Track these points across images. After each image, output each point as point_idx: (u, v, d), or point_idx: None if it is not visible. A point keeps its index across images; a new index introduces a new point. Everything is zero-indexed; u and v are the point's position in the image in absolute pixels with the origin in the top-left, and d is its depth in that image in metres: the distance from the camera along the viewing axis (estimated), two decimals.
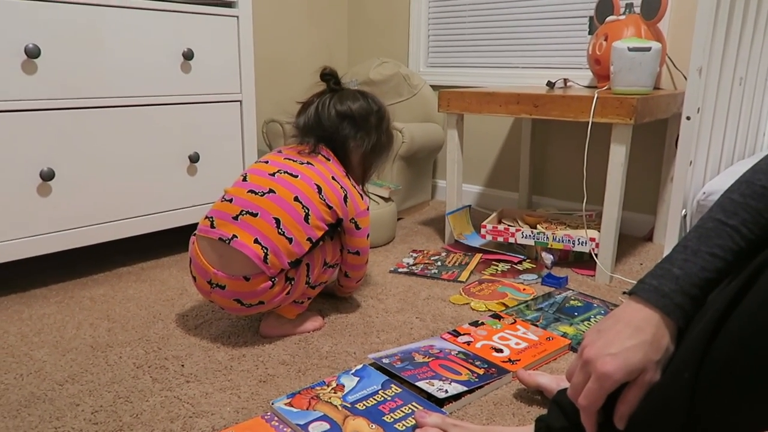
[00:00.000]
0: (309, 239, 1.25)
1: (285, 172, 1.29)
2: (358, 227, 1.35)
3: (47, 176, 1.51)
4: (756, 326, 0.60)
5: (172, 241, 1.99)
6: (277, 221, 1.22)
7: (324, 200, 1.27)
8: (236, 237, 1.21)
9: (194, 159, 1.80)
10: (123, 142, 1.65)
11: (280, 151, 1.39)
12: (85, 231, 1.62)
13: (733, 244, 0.68)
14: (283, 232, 1.22)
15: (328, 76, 1.42)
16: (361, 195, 1.36)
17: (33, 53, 1.43)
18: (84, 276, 1.71)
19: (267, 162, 1.34)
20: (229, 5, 1.83)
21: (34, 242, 1.53)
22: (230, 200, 1.27)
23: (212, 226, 1.25)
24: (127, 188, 1.68)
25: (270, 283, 1.23)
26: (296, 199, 1.25)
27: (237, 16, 1.84)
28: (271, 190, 1.25)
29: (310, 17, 2.75)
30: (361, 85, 2.61)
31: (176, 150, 1.77)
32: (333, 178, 1.31)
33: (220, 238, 1.22)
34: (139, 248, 1.95)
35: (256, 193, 1.25)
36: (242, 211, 1.24)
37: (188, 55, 1.73)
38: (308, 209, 1.25)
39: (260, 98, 2.52)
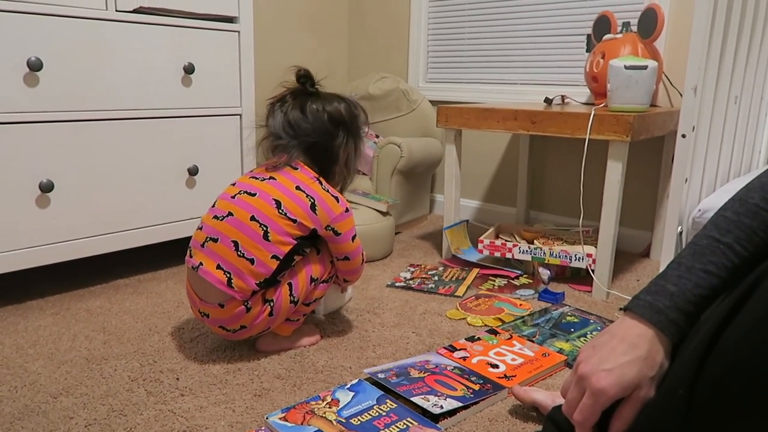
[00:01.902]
0: (274, 257, 1.21)
1: (245, 192, 1.26)
2: (337, 233, 1.28)
3: (46, 188, 1.51)
4: (749, 343, 0.61)
5: (169, 253, 1.99)
6: (236, 244, 1.21)
7: (284, 214, 1.22)
8: (202, 264, 1.22)
9: (193, 172, 1.81)
10: (122, 155, 1.66)
11: (251, 171, 1.36)
12: (82, 243, 1.62)
13: (727, 261, 0.68)
14: (243, 254, 1.20)
15: (305, 78, 1.36)
16: (336, 198, 1.29)
17: (35, 66, 1.45)
18: (81, 288, 1.71)
19: (234, 184, 1.31)
20: (231, 20, 1.85)
21: (31, 253, 1.53)
22: (201, 228, 1.28)
23: (190, 256, 1.27)
24: (126, 200, 1.69)
25: (243, 308, 1.22)
26: (252, 218, 1.22)
27: (238, 31, 1.86)
28: (230, 213, 1.24)
29: (311, 32, 2.77)
30: (360, 100, 2.62)
31: (175, 163, 1.78)
32: (297, 187, 1.26)
33: (192, 267, 1.24)
34: (136, 260, 1.95)
35: (218, 218, 1.25)
36: (207, 238, 1.24)
37: (189, 69, 1.74)
38: (266, 226, 1.21)
39: (260, 112, 2.53)
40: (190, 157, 1.81)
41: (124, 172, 1.67)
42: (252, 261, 1.20)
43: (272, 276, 1.23)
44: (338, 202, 1.29)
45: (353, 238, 1.32)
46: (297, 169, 1.31)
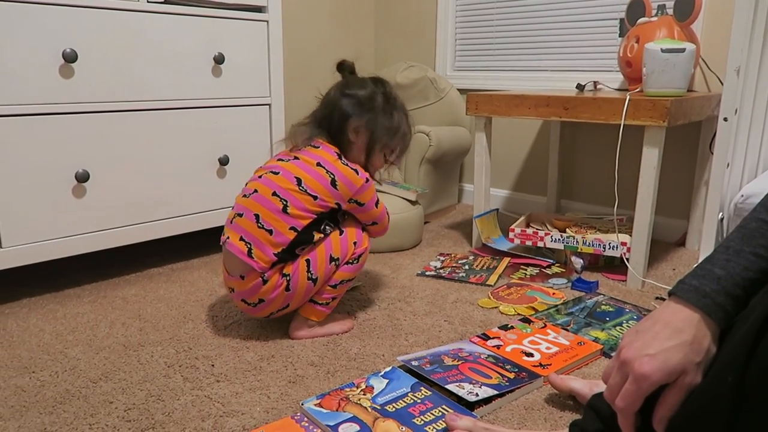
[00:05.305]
0: (292, 228, 1.26)
1: (270, 171, 1.32)
2: (360, 204, 1.34)
3: (82, 178, 1.54)
4: None
5: (201, 242, 2.01)
6: (257, 216, 1.27)
7: (305, 190, 1.27)
8: (228, 238, 1.29)
9: (224, 162, 1.82)
10: (155, 145, 1.68)
11: (278, 153, 1.41)
12: (117, 232, 1.64)
13: None
14: (263, 225, 1.25)
15: (343, 67, 1.44)
16: (356, 170, 1.32)
17: (70, 58, 1.47)
18: (116, 276, 1.74)
19: (262, 167, 1.38)
20: (260, 10, 1.85)
21: (68, 242, 1.56)
22: (233, 207, 1.34)
23: (223, 233, 1.33)
24: (159, 190, 1.71)
25: (260, 280, 1.26)
26: (274, 193, 1.27)
27: (267, 21, 1.86)
28: (255, 191, 1.30)
29: (338, 21, 2.76)
30: None
31: (207, 153, 1.79)
32: (318, 164, 1.31)
33: (222, 243, 1.31)
34: (169, 249, 1.98)
35: (245, 196, 1.32)
36: (235, 214, 1.31)
37: (219, 60, 1.75)
38: (286, 201, 1.26)
39: (288, 102, 2.54)
40: (220, 147, 1.82)
41: (156, 162, 1.69)
42: (270, 232, 1.25)
43: (290, 247, 1.26)
44: (358, 174, 1.33)
45: (377, 203, 1.38)
46: (318, 147, 1.36)
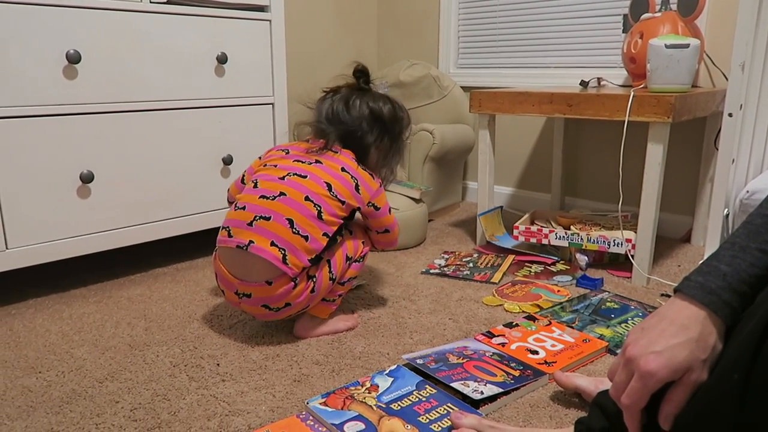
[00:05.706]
0: (325, 234, 1.27)
1: (294, 174, 1.30)
2: (377, 208, 1.37)
3: (87, 179, 1.54)
4: None
5: (205, 242, 2.02)
6: (290, 221, 1.24)
7: (335, 196, 1.28)
8: (253, 242, 1.23)
9: (228, 161, 1.83)
10: (159, 145, 1.68)
11: (287, 152, 1.39)
12: (121, 232, 1.65)
13: None
14: (298, 231, 1.24)
15: (360, 73, 1.44)
16: (371, 175, 1.37)
17: (74, 59, 1.47)
18: (121, 276, 1.74)
19: (276, 166, 1.34)
20: (262, 9, 1.85)
21: (73, 243, 1.56)
22: (243, 208, 1.29)
23: (230, 236, 1.27)
24: (163, 190, 1.71)
25: (292, 284, 1.24)
26: (307, 198, 1.26)
27: (269, 20, 1.86)
28: (281, 193, 1.27)
29: (340, 20, 2.76)
30: (391, 87, 2.61)
31: (210, 152, 1.80)
32: (343, 169, 1.33)
33: (237, 246, 1.24)
34: (173, 249, 1.98)
35: (267, 198, 1.27)
36: (255, 216, 1.25)
37: (222, 59, 1.75)
38: (320, 206, 1.26)
39: (291, 101, 2.54)
40: (224, 147, 1.83)
41: (160, 163, 1.69)
42: (306, 238, 1.24)
43: (321, 252, 1.28)
44: (374, 178, 1.38)
45: (389, 210, 1.41)
46: (337, 152, 1.37)
